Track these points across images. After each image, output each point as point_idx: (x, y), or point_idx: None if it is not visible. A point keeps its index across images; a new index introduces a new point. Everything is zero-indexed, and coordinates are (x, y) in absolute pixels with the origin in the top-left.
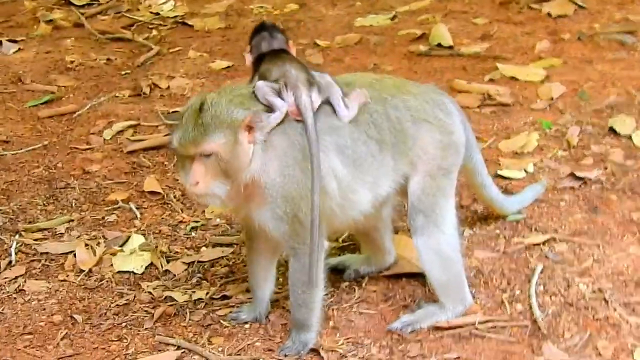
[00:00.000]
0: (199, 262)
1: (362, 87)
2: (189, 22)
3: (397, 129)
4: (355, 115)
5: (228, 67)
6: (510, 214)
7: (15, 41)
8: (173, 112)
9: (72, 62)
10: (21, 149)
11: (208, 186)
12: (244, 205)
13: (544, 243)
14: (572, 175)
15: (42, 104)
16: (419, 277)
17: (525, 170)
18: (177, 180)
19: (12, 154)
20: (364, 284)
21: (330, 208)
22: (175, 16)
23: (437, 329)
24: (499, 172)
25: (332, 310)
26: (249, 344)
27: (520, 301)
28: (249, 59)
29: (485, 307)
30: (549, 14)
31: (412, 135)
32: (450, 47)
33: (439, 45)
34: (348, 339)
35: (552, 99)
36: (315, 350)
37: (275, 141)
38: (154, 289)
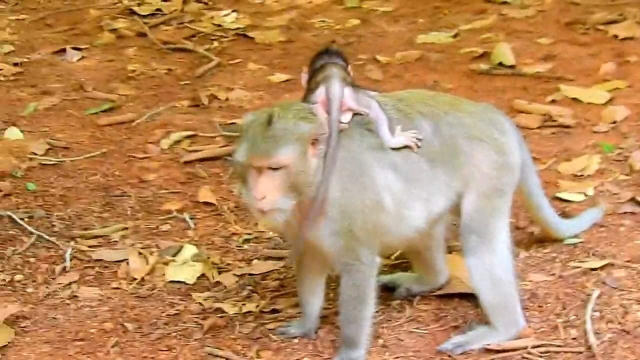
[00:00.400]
0: (250, 274)
1: (416, 104)
2: (250, 35)
3: (450, 145)
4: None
5: (287, 80)
6: (566, 238)
7: (79, 49)
8: (230, 123)
9: (133, 71)
10: (80, 155)
11: (275, 200)
12: (301, 220)
13: (601, 268)
14: (633, 200)
15: (102, 112)
16: (471, 297)
17: (585, 194)
18: (232, 192)
19: (71, 161)
20: (415, 303)
21: (384, 224)
22: (237, 28)
23: (488, 351)
24: (558, 195)
25: (382, 328)
26: (297, 359)
27: (575, 327)
28: (304, 78)
29: (539, 331)
30: (615, 36)
31: (466, 152)
32: (512, 67)
33: (501, 64)
34: (397, 357)
35: (615, 122)
36: None
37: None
38: (204, 300)
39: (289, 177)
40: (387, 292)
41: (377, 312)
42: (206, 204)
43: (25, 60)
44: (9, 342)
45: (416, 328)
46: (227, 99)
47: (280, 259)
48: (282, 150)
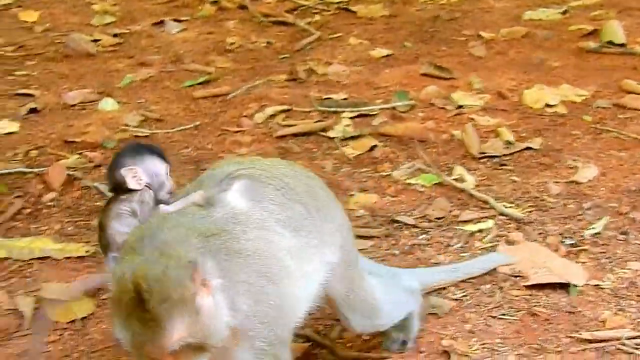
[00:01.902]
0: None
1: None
2: (353, 9)
3: None
4: None
5: (388, 55)
6: None
7: (179, 21)
8: (326, 98)
9: (232, 44)
10: (173, 128)
11: None
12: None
13: None
14: None
15: (198, 84)
16: (562, 287)
17: None
18: (323, 168)
19: (164, 133)
20: (506, 288)
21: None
22: (339, 2)
23: (581, 341)
24: None
25: (471, 312)
26: (380, 342)
27: None
28: None
29: (635, 322)
30: None
31: None
32: (623, 45)
33: (611, 43)
34: (484, 344)
35: None
36: (446, 353)
37: (232, 272)
38: None
39: (190, 345)
40: None
41: (465, 296)
42: None
43: (125, 31)
44: (89, 314)
45: (504, 314)
46: (325, 74)
47: (369, 238)
48: (172, 331)
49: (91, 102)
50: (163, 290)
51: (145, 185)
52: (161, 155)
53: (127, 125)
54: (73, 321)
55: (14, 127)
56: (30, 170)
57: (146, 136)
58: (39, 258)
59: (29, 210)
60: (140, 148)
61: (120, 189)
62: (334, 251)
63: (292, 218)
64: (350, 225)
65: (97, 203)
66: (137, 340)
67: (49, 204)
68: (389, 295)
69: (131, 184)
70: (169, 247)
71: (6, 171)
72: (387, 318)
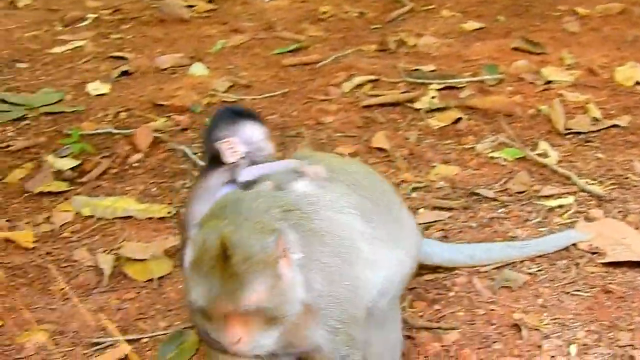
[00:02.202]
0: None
1: None
2: None
3: None
4: None
5: (480, 28)
6: None
7: None
8: (415, 70)
9: (324, 12)
10: (261, 94)
11: (254, 339)
12: (294, 335)
13: None
14: None
15: (288, 52)
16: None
17: None
18: (407, 139)
19: (251, 99)
20: (582, 264)
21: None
22: None
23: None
24: None
25: (544, 287)
26: (451, 312)
27: None
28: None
29: None
30: None
31: None
32: None
33: None
34: (555, 319)
35: None
36: (516, 326)
37: (307, 249)
38: None
39: (265, 312)
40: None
41: (540, 270)
42: (379, 149)
43: None
44: (167, 274)
45: (578, 291)
46: (415, 45)
47: (447, 209)
48: (252, 290)
49: (182, 66)
50: (247, 250)
51: (242, 157)
52: (257, 118)
53: (215, 90)
54: (150, 280)
55: (105, 89)
56: (119, 131)
57: (233, 102)
58: (121, 217)
59: (115, 171)
60: (234, 115)
61: (217, 158)
62: (397, 254)
63: (362, 208)
64: (418, 243)
65: (182, 165)
66: (213, 296)
67: (135, 165)
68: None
69: (227, 156)
70: (253, 215)
71: (95, 132)
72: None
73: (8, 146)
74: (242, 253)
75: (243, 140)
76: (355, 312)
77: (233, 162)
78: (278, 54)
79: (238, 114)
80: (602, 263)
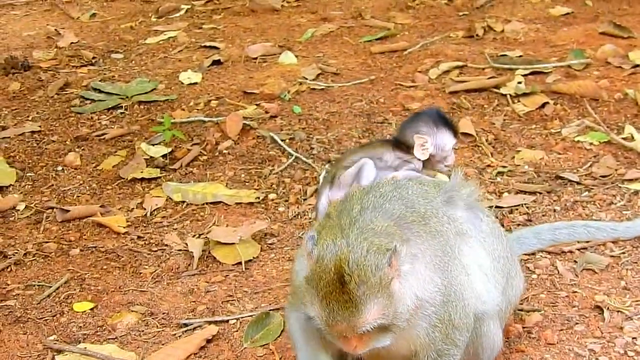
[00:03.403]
0: (497, 207)
1: None
2: None
3: None
4: None
5: (567, 14)
6: None
7: None
8: (501, 55)
9: (413, 0)
10: (348, 82)
11: (370, 344)
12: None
13: None
14: None
15: (376, 39)
16: None
17: None
18: (493, 124)
19: (339, 86)
20: None
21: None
22: None
23: None
24: None
25: (626, 270)
26: (533, 295)
27: None
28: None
29: None
30: None
31: None
32: None
33: None
34: (637, 301)
35: None
36: (598, 308)
37: (413, 249)
38: None
39: (379, 328)
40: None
41: (623, 253)
42: (465, 134)
43: None
44: (254, 257)
45: None
46: (502, 31)
47: (531, 193)
48: (368, 314)
49: (272, 55)
50: (363, 273)
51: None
52: (454, 129)
53: (304, 78)
54: (238, 263)
55: (197, 78)
56: (209, 119)
57: (322, 89)
58: (211, 203)
59: (205, 157)
60: (439, 118)
61: (401, 144)
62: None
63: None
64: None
65: (270, 152)
66: (332, 319)
67: (225, 151)
68: None
69: (417, 151)
70: (370, 230)
71: (187, 120)
72: None
73: (103, 134)
74: (357, 277)
75: (436, 144)
76: (459, 318)
77: (416, 157)
78: (366, 41)
79: (443, 119)
80: None
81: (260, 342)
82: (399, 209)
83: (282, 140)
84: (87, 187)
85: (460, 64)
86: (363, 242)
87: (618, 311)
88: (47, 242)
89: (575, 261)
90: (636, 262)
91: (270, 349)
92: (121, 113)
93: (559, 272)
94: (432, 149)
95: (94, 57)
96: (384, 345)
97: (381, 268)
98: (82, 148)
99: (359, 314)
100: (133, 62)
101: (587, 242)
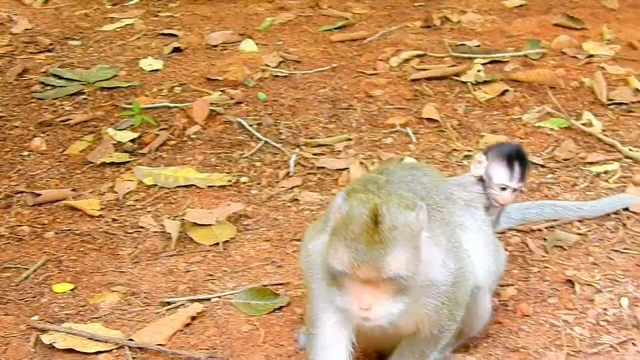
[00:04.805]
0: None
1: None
2: None
3: None
4: None
5: (521, 5)
6: None
7: None
8: (460, 44)
9: None
10: (310, 69)
11: (383, 309)
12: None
13: None
14: None
15: (335, 28)
16: None
17: None
18: (456, 110)
19: (302, 74)
20: (629, 225)
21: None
22: None
23: None
24: None
25: (594, 246)
26: (506, 270)
27: None
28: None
29: None
30: None
31: None
32: None
33: None
34: (606, 275)
35: None
36: (570, 282)
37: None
38: None
39: (400, 282)
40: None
41: (589, 231)
42: (430, 120)
43: None
44: (231, 238)
45: (627, 249)
46: (458, 22)
47: None
48: (394, 258)
49: (232, 43)
50: (395, 219)
51: (479, 178)
52: (516, 172)
53: (267, 65)
54: (216, 244)
55: (158, 64)
56: (175, 105)
57: (285, 76)
58: (183, 186)
59: (173, 142)
60: (507, 151)
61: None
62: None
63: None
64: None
65: (239, 137)
66: (359, 259)
67: (193, 136)
68: None
69: (472, 166)
70: (397, 190)
71: (152, 105)
72: None
73: (67, 120)
74: (390, 221)
75: (487, 169)
76: (462, 291)
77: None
78: (325, 30)
79: (509, 157)
80: None
81: (250, 310)
82: (420, 190)
83: (250, 126)
84: (56, 172)
85: (420, 52)
86: (394, 198)
87: (588, 285)
88: (20, 226)
89: (545, 239)
90: (602, 239)
91: (255, 325)
92: (84, 99)
93: (529, 249)
94: (483, 172)
95: (50, 44)
96: (393, 317)
97: (411, 219)
98: (47, 133)
99: (386, 255)
100: (91, 48)
101: (555, 220)
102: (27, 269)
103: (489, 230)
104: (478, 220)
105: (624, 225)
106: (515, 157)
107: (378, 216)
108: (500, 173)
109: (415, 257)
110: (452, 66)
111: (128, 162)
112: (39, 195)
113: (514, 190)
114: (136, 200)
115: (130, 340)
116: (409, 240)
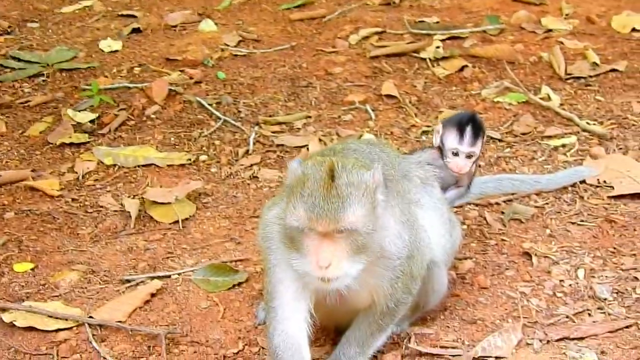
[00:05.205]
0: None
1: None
2: None
3: None
4: None
5: None
6: None
7: None
8: (420, 21)
9: None
10: (270, 48)
11: (343, 267)
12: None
13: None
14: None
15: (294, 7)
16: None
17: None
18: (415, 86)
19: (261, 52)
20: (586, 197)
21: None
22: None
23: None
24: None
25: (551, 219)
26: (464, 244)
27: None
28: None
29: None
30: None
31: None
32: None
33: None
34: (562, 247)
35: None
36: (527, 254)
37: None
38: None
39: (357, 239)
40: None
41: (547, 204)
42: (389, 96)
43: None
44: (190, 216)
45: (583, 221)
46: None
47: None
48: (351, 211)
49: (191, 23)
50: (351, 175)
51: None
52: (467, 136)
53: (226, 45)
54: (175, 222)
55: (117, 45)
56: (134, 85)
57: (244, 55)
58: (143, 165)
59: (133, 122)
60: (461, 118)
61: None
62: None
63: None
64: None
65: (198, 116)
66: (316, 213)
67: (152, 116)
68: None
69: (434, 136)
70: (353, 155)
71: (111, 86)
72: None
73: (27, 101)
74: (346, 177)
75: (442, 138)
76: (417, 265)
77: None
78: (285, 9)
79: (460, 123)
80: (608, 197)
81: (209, 287)
82: (378, 160)
83: (209, 105)
84: (16, 153)
85: (379, 30)
86: (350, 159)
87: (545, 257)
88: None
89: (503, 212)
90: (559, 212)
91: (215, 301)
92: (43, 81)
93: (487, 222)
94: (439, 141)
95: (9, 26)
96: (351, 279)
97: (366, 176)
98: (7, 115)
99: (344, 208)
100: (50, 30)
101: (513, 194)
102: None
103: (444, 208)
104: (434, 198)
105: (581, 197)
106: (467, 122)
107: (334, 171)
108: (451, 138)
109: (372, 214)
110: (411, 43)
111: (88, 142)
112: None
113: (468, 156)
114: (96, 180)
115: (91, 317)
116: (364, 197)
